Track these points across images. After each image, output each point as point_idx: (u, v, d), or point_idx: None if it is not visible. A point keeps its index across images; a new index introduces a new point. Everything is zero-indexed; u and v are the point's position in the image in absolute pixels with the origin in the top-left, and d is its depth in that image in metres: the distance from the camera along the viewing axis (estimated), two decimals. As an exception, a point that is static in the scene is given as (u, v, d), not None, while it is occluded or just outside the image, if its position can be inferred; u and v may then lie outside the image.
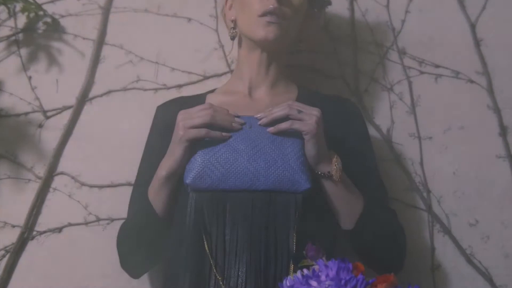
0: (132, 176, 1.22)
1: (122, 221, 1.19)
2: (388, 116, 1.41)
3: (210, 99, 1.20)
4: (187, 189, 1.01)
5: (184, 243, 0.99)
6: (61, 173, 1.37)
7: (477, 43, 1.42)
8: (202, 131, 1.00)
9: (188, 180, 0.99)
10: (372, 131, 1.39)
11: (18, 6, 1.35)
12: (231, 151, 1.00)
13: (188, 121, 1.01)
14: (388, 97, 1.42)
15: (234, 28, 1.18)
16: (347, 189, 1.06)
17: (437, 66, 1.43)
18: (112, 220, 1.34)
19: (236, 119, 1.04)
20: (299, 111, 1.01)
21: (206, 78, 1.40)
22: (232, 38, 1.19)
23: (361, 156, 1.16)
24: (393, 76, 1.43)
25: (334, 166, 1.04)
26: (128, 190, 1.22)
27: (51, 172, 1.37)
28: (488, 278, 1.33)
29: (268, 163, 0.99)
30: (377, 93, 1.42)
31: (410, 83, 1.43)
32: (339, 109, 1.18)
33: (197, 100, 1.20)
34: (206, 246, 0.98)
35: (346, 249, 1.09)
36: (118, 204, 1.29)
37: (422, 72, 1.43)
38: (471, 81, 1.43)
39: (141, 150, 1.22)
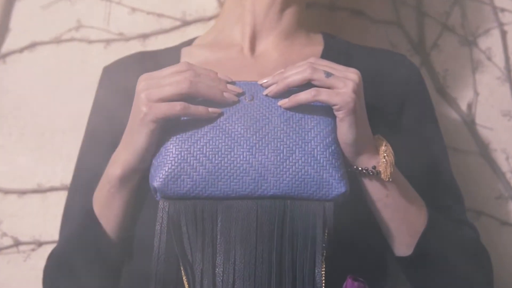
0: (70, 176, 1.23)
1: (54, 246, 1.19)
2: (469, 85, 1.43)
3: (187, 55, 1.21)
4: (154, 195, 1.01)
5: (153, 280, 0.99)
6: (-44, 171, 1.41)
7: None
8: (177, 106, 1.00)
9: (156, 182, 0.99)
10: (442, 107, 1.42)
11: None
12: (222, 137, 1.01)
13: (154, 91, 1.00)
14: (469, 55, 1.44)
15: None
16: (402, 193, 1.07)
17: (547, 8, 1.44)
18: (40, 244, 1.36)
19: (230, 86, 1.03)
20: (328, 74, 1.00)
21: (185, 24, 1.43)
22: None
23: (423, 144, 1.17)
24: (477, 22, 1.46)
25: (382, 159, 1.04)
26: (64, 198, 1.23)
27: None
28: None
29: (281, 155, 1.00)
30: (452, 48, 1.43)
31: (504, 34, 1.45)
32: (389, 70, 1.19)
33: (167, 57, 1.20)
34: (185, 284, 0.98)
35: (403, 284, 1.11)
36: (49, 220, 1.32)
37: (524, 17, 1.44)
38: None
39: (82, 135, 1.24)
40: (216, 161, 0.99)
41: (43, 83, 1.40)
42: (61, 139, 1.37)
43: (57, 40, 1.41)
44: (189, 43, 1.26)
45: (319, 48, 1.21)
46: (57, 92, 1.40)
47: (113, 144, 1.08)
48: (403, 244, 1.09)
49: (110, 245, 1.08)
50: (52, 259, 1.15)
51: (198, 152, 1.00)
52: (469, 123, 1.43)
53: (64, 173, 1.33)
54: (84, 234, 1.10)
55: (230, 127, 1.01)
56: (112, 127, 1.12)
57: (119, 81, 1.19)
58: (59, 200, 1.30)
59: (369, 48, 1.25)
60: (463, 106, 1.44)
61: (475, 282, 1.13)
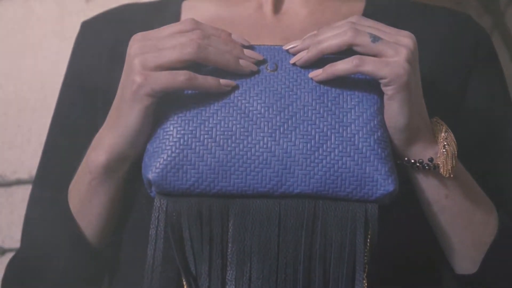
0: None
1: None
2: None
3: (190, 9, 1.18)
4: (148, 191, 0.97)
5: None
6: None
7: None
8: (180, 77, 0.93)
9: (152, 173, 0.94)
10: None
11: None
12: (237, 117, 0.95)
13: (152, 56, 0.94)
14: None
15: None
16: (465, 194, 1.02)
17: None
18: (3, 252, 1.38)
19: (247, 51, 0.98)
20: (375, 38, 0.94)
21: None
22: None
23: (492, 130, 1.14)
24: None
25: (441, 149, 0.98)
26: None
27: None
28: None
29: (312, 142, 0.94)
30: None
31: None
32: (450, 35, 1.16)
33: (164, 11, 1.18)
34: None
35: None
36: (15, 221, 1.31)
37: None
38: None
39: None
40: (229, 148, 0.94)
41: (8, 46, 1.40)
42: (30, 118, 1.37)
43: (26, -9, 1.43)
44: None
45: (359, 4, 1.17)
46: (27, 58, 1.37)
47: (94, 124, 1.07)
48: (466, 258, 1.04)
49: (90, 254, 1.05)
50: (13, 269, 1.13)
51: (205, 136, 0.95)
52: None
53: (34, 162, 1.24)
54: (55, 238, 1.07)
55: (247, 105, 0.96)
56: (93, 101, 1.12)
57: (102, 41, 1.17)
58: (27, 196, 1.21)
59: (424, 6, 1.21)
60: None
61: None
